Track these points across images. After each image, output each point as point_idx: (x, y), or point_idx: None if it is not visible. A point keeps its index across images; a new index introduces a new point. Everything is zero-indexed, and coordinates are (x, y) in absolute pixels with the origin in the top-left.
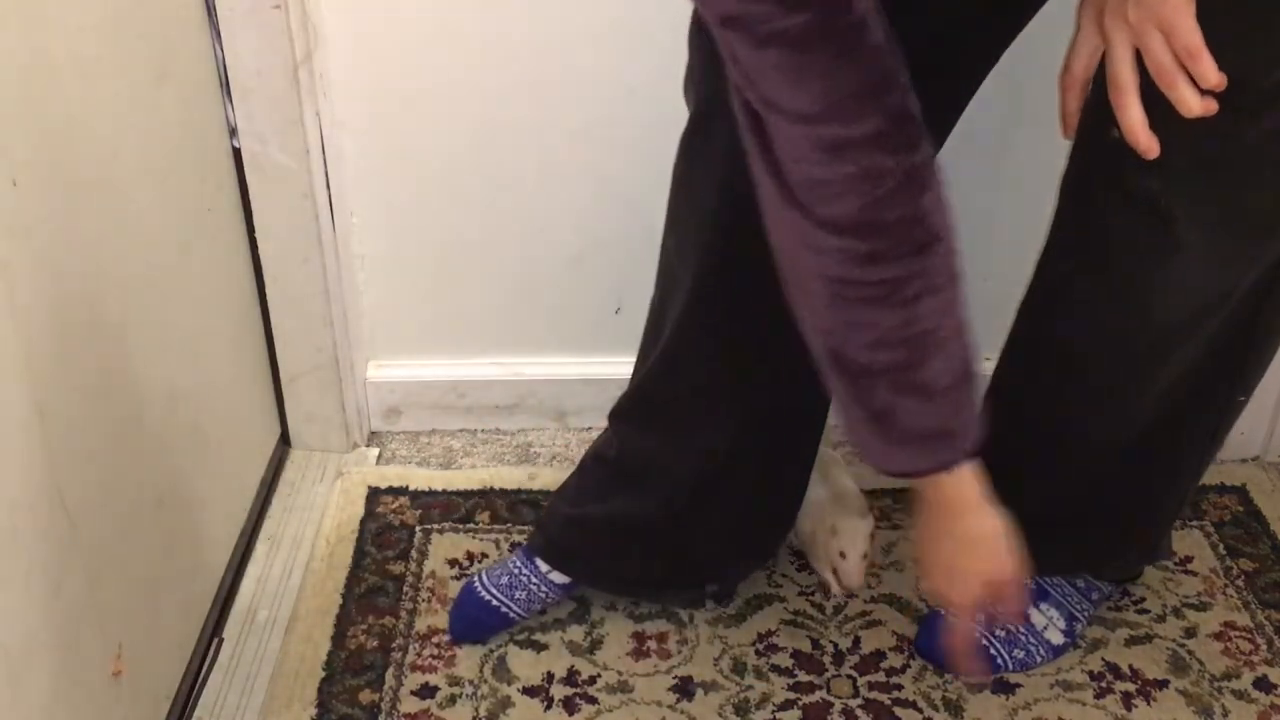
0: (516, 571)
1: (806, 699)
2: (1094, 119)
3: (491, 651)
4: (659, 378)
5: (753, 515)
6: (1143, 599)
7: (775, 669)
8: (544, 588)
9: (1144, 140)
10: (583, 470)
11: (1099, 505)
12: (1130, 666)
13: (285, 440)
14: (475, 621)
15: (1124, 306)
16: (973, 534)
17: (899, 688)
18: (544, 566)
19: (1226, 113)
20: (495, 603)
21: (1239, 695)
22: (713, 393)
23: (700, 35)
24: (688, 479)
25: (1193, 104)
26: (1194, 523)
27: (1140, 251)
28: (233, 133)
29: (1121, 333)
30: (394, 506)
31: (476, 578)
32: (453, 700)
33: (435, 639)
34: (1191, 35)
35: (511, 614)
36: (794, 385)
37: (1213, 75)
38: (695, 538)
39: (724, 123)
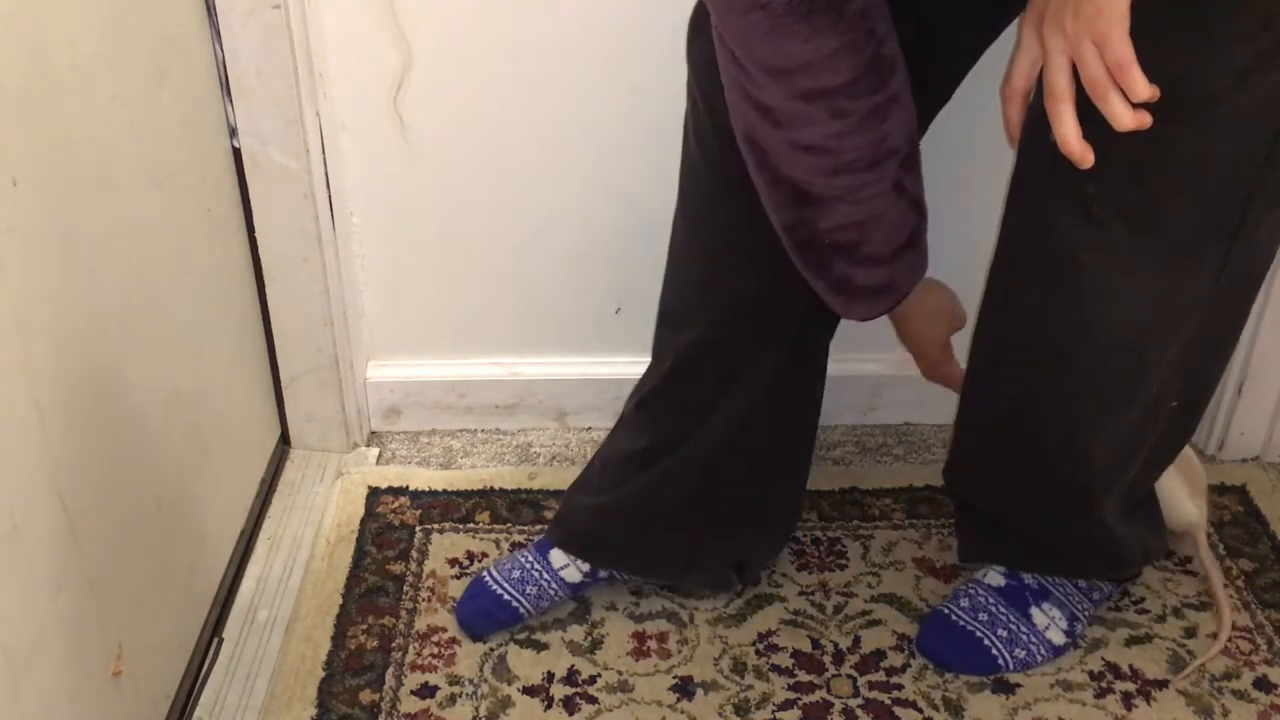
0: (529, 566)
1: (806, 699)
2: (1034, 125)
3: (491, 651)
4: (699, 355)
5: (768, 485)
6: (1143, 599)
7: (775, 669)
8: (554, 584)
9: (1076, 148)
10: (606, 467)
11: (1057, 512)
12: (1130, 666)
13: (285, 440)
14: (485, 614)
15: (1065, 314)
16: (922, 310)
17: (899, 687)
18: (557, 563)
19: (1161, 121)
20: (507, 597)
21: (1239, 695)
22: (742, 357)
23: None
24: (709, 452)
25: (1124, 117)
26: None
27: (1077, 256)
28: (233, 133)
29: (1065, 341)
30: (394, 506)
31: (486, 571)
32: (453, 700)
33: (435, 638)
34: (1122, 48)
35: (522, 609)
36: (806, 343)
37: (1142, 89)
38: (717, 510)
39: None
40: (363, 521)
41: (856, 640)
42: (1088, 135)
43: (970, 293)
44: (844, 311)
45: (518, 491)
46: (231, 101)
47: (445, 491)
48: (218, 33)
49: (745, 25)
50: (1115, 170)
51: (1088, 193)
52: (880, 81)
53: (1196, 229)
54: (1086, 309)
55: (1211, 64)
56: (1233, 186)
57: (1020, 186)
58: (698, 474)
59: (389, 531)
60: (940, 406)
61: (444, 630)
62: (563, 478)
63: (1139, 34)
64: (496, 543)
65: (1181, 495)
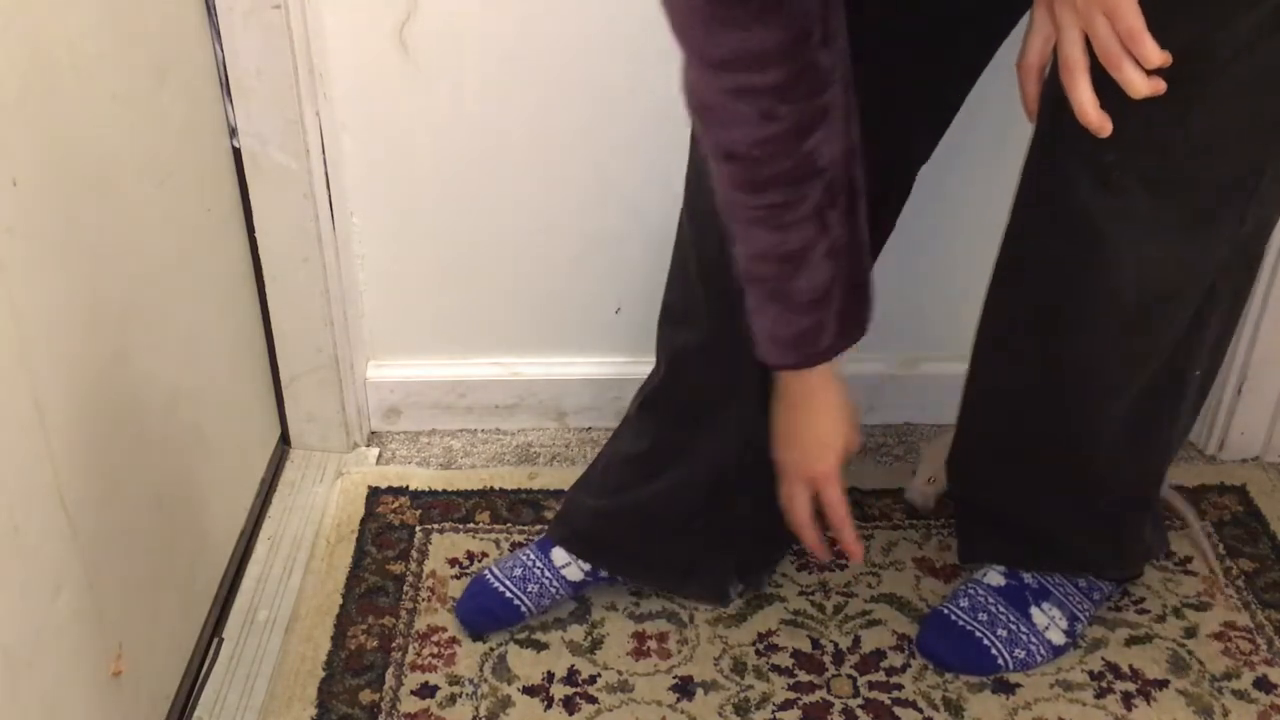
0: (530, 564)
1: (806, 699)
2: (1051, 99)
3: (491, 650)
4: (700, 354)
5: (769, 492)
6: (1143, 599)
7: (775, 669)
8: (555, 582)
9: (1094, 119)
10: (608, 470)
11: (1062, 500)
12: (1130, 666)
13: (285, 440)
14: (486, 612)
15: (1083, 281)
16: (830, 409)
17: (899, 687)
18: (559, 561)
19: (1175, 87)
20: (508, 595)
21: (1239, 695)
22: (742, 358)
23: None
24: (713, 461)
25: (1138, 85)
26: None
27: (1095, 224)
28: (233, 133)
29: (1083, 309)
30: (394, 506)
31: (487, 570)
32: (453, 700)
33: (435, 638)
34: (1132, 18)
35: (523, 607)
36: None
37: (1154, 56)
38: (722, 515)
39: None
40: (363, 521)
41: (856, 640)
42: (1104, 104)
43: (971, 288)
44: (759, 353)
45: (518, 491)
46: (231, 101)
47: (445, 491)
48: (218, 33)
49: (689, 10)
50: (1133, 137)
51: (1106, 161)
52: (813, 89)
53: (1215, 192)
54: (1105, 276)
55: (1223, 29)
56: (1249, 149)
57: (1039, 158)
58: (700, 489)
59: (389, 531)
60: (940, 406)
61: (444, 630)
62: (563, 478)
63: (1148, 3)
64: (496, 543)
65: None
